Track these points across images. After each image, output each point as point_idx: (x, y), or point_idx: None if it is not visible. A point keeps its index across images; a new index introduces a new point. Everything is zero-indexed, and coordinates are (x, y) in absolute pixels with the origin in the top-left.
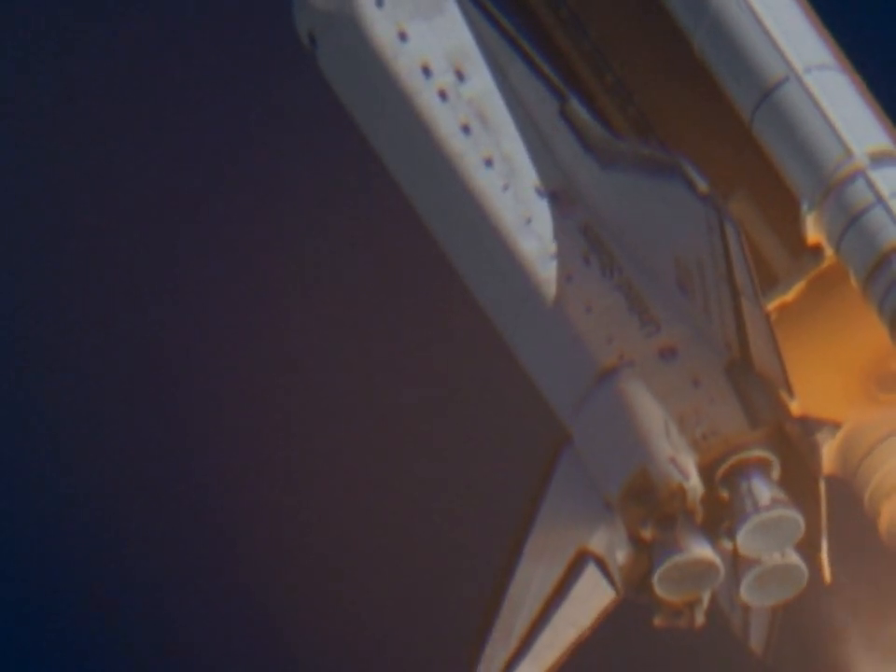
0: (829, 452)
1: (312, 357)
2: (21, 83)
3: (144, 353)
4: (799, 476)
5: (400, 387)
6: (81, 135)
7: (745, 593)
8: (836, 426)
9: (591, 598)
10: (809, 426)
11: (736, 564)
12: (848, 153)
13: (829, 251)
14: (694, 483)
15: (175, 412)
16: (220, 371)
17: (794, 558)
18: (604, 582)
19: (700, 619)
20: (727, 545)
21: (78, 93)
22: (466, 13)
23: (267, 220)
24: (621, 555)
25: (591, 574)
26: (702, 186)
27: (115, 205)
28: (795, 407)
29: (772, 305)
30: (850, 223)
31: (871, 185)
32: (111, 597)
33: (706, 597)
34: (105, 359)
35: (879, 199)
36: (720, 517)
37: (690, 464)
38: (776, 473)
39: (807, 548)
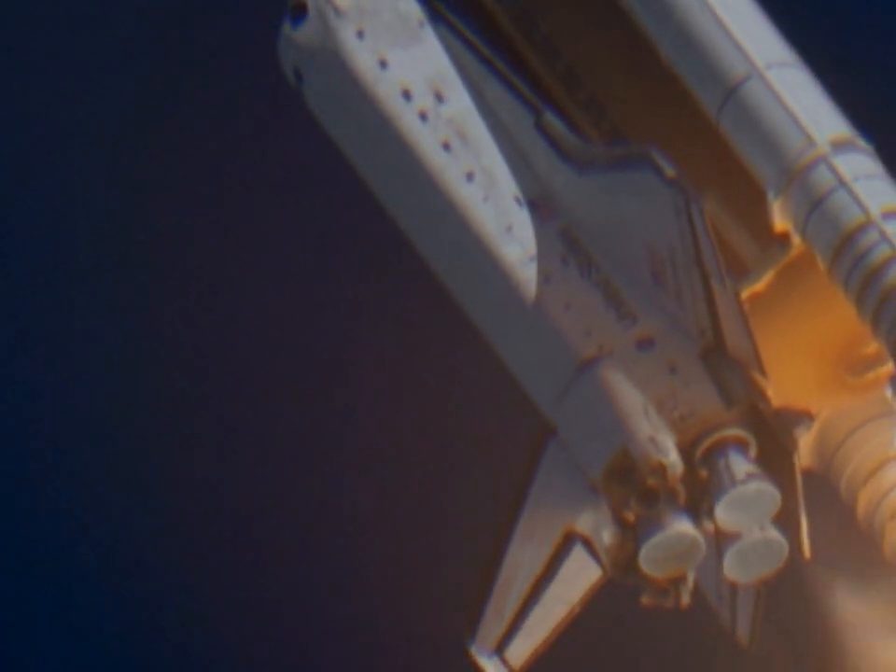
0: (805, 446)
1: (303, 357)
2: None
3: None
4: (775, 453)
5: (391, 389)
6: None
7: (728, 568)
8: (811, 418)
9: (579, 576)
10: (786, 418)
11: (718, 540)
12: (810, 141)
13: (796, 240)
14: (674, 460)
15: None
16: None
17: (774, 532)
18: (591, 561)
19: (686, 598)
20: (710, 526)
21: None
22: (443, 40)
23: (263, 236)
24: (606, 535)
25: (578, 553)
26: (669, 170)
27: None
28: (769, 386)
29: (743, 295)
30: (814, 207)
31: (833, 170)
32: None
33: (690, 576)
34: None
35: (841, 182)
36: (701, 498)
37: (669, 442)
38: (752, 452)
39: (787, 523)
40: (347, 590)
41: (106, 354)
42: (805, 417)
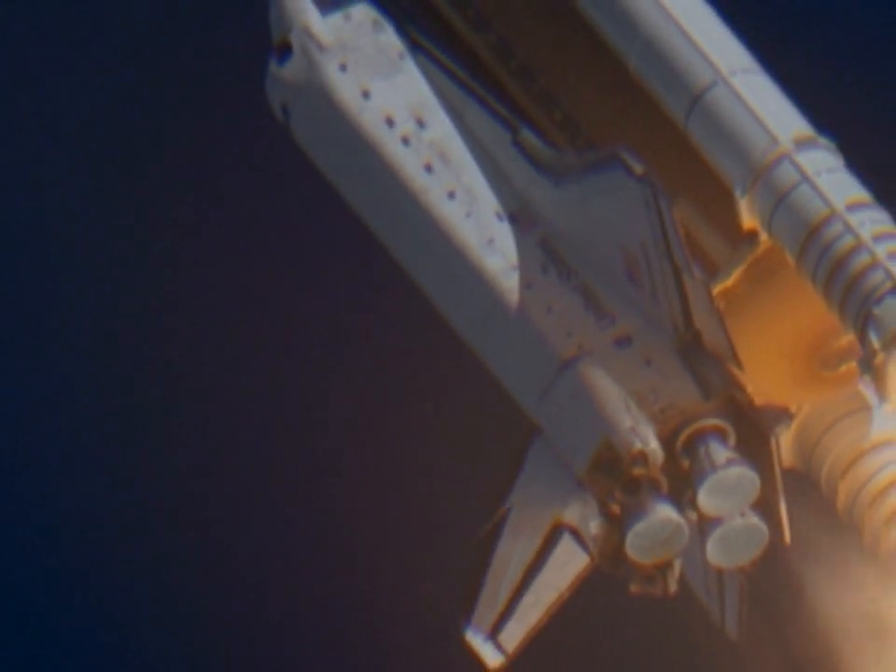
0: (785, 443)
1: (294, 363)
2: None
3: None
4: (753, 441)
5: (383, 396)
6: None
7: (710, 555)
8: (790, 417)
9: (567, 564)
10: (766, 416)
11: (701, 528)
12: (774, 140)
13: (764, 237)
14: (654, 448)
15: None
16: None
17: (754, 518)
18: (578, 549)
19: (673, 585)
20: (693, 515)
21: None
22: (423, 69)
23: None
24: (593, 525)
25: (566, 542)
26: (637, 167)
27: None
28: (744, 376)
29: (715, 292)
30: (779, 202)
31: (796, 166)
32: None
33: (677, 562)
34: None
35: (804, 177)
36: (684, 488)
37: (649, 433)
38: (732, 440)
39: (767, 509)
40: (344, 584)
41: (98, 361)
42: (784, 415)
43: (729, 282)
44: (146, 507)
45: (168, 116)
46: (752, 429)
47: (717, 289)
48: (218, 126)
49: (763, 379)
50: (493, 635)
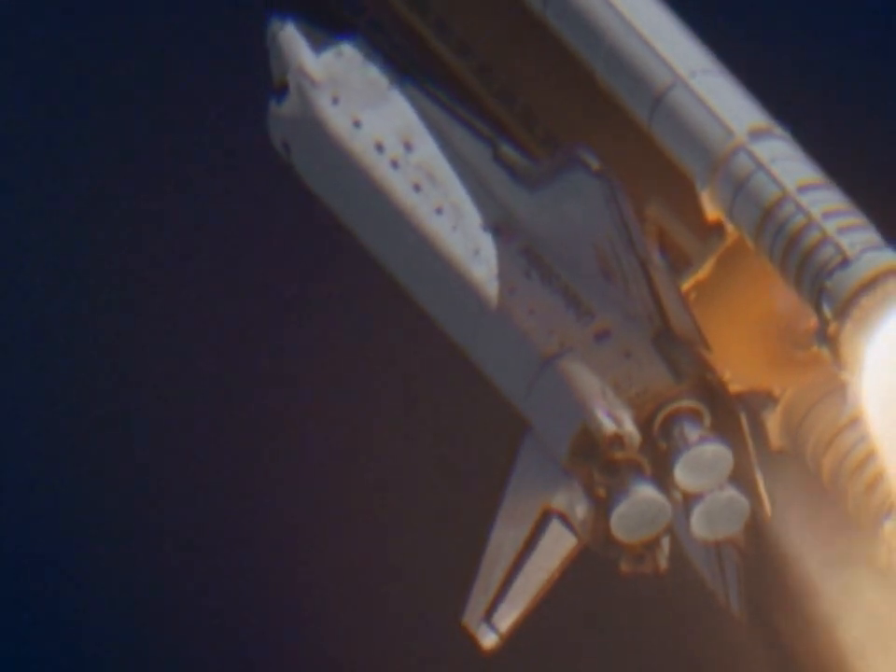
0: (772, 426)
1: (296, 363)
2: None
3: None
4: (726, 419)
5: (381, 399)
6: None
7: (696, 529)
8: (774, 400)
9: (556, 547)
10: (749, 402)
11: (685, 505)
12: (730, 132)
13: (731, 229)
14: (629, 429)
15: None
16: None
17: (733, 491)
18: (567, 532)
19: (663, 563)
20: (678, 496)
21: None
22: (409, 96)
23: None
24: (581, 511)
25: (554, 527)
26: (594, 163)
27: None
28: (713, 356)
29: (687, 285)
30: (738, 190)
31: (751, 155)
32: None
33: (664, 540)
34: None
35: (759, 165)
36: (666, 470)
37: (625, 416)
38: (707, 420)
39: (745, 483)
40: (341, 574)
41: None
42: (767, 399)
43: (702, 273)
44: (142, 507)
45: (174, 153)
46: (724, 407)
47: (690, 281)
48: (224, 163)
49: (743, 364)
50: (487, 617)
